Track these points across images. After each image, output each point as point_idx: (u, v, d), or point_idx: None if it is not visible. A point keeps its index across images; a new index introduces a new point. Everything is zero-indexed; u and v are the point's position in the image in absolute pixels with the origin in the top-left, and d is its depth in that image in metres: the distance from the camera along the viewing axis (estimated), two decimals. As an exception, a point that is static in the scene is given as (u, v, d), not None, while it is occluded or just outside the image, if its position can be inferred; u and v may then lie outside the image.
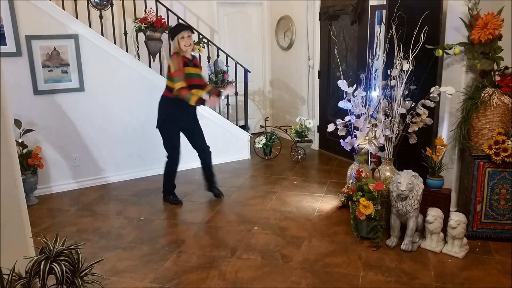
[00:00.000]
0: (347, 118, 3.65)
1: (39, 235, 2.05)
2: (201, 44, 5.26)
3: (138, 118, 4.80)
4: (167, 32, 5.12)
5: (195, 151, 4.13)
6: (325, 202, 4.09)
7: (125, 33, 5.01)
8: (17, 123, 4.02)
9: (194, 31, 3.87)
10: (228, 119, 5.52)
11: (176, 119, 3.89)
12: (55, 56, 4.28)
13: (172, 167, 4.07)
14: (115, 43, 4.81)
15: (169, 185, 4.16)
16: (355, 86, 3.63)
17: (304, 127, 5.44)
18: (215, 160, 5.31)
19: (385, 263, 2.97)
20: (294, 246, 3.24)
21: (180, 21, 5.19)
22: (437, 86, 3.30)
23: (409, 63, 3.27)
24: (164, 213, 3.92)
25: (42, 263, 1.66)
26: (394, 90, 3.39)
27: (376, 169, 3.55)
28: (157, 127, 3.94)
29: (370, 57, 3.64)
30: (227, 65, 5.55)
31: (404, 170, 3.10)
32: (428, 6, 3.35)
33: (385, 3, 3.83)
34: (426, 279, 2.77)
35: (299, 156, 5.42)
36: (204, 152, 4.15)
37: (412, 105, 3.37)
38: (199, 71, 3.93)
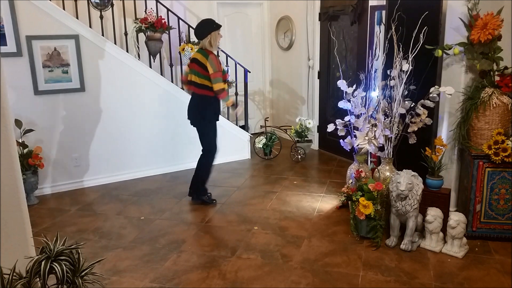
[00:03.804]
0: (346, 118, 3.66)
1: (40, 235, 2.06)
2: (201, 44, 5.26)
3: (138, 118, 4.81)
4: (167, 32, 5.14)
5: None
6: (325, 202, 4.10)
7: (126, 34, 5.02)
8: (18, 123, 4.03)
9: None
10: (228, 119, 5.53)
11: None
12: (55, 56, 4.29)
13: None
14: (115, 43, 4.82)
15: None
16: (354, 86, 3.64)
17: (304, 127, 5.45)
18: (215, 160, 5.33)
19: (384, 263, 2.98)
20: (294, 246, 3.25)
21: (180, 21, 5.20)
22: (436, 86, 3.31)
23: (409, 63, 3.28)
24: (164, 213, 3.93)
25: (43, 262, 1.67)
26: (393, 90, 3.40)
27: (376, 169, 3.56)
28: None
29: (370, 57, 3.65)
30: (227, 65, 5.55)
31: (404, 170, 3.10)
32: (428, 6, 3.35)
33: (384, 3, 3.84)
34: (426, 278, 2.78)
35: (299, 156, 5.42)
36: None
37: (412, 105, 3.38)
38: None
